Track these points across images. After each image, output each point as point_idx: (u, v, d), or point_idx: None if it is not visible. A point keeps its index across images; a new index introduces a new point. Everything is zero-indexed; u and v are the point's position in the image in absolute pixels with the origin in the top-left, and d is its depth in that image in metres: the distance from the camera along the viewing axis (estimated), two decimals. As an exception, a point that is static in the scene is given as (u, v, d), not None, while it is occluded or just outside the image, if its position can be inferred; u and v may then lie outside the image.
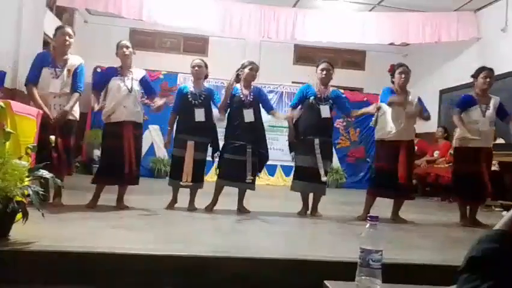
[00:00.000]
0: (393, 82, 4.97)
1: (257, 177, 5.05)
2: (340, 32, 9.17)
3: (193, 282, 2.54)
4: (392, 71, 5.03)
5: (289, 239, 3.70)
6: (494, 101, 4.96)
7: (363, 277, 1.50)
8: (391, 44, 9.70)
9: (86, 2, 8.20)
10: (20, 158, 2.82)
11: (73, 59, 4.58)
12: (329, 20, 9.18)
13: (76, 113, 4.60)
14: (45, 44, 7.04)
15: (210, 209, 4.75)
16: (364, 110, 5.21)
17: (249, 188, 4.80)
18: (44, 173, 2.90)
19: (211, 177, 9.36)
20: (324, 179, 4.74)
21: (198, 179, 4.79)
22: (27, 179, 2.76)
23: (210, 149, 4.97)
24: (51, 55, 4.57)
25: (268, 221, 4.45)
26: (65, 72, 4.45)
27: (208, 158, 4.99)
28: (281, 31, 9.23)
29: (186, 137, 4.71)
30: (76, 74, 4.53)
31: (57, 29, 4.63)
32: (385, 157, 4.84)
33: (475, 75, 5.06)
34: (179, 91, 4.97)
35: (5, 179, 2.58)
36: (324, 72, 4.94)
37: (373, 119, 5.12)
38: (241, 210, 4.80)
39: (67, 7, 8.54)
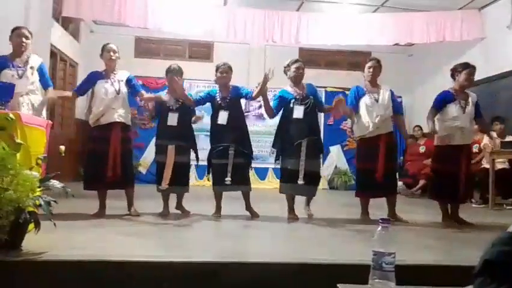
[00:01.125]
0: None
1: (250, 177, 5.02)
2: (344, 34, 9.17)
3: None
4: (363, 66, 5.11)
5: (297, 243, 3.68)
6: (472, 98, 4.84)
7: (376, 280, 1.50)
8: (396, 44, 9.68)
9: (91, 12, 8.24)
10: (31, 169, 2.85)
11: (33, 58, 4.56)
12: (333, 22, 9.18)
13: (42, 111, 4.52)
14: (52, 54, 7.10)
15: (217, 216, 4.70)
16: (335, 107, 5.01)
17: (243, 190, 4.79)
18: (55, 183, 2.93)
19: (205, 181, 9.40)
20: (301, 181, 4.60)
21: (180, 183, 4.79)
22: (38, 189, 2.79)
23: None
24: (8, 57, 4.47)
25: (272, 225, 4.42)
26: (28, 70, 4.44)
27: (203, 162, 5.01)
28: (285, 35, 9.24)
29: (166, 142, 4.73)
30: (41, 73, 4.58)
31: (13, 30, 4.54)
32: (365, 156, 4.86)
33: (456, 71, 4.93)
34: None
35: (17, 190, 2.60)
36: (299, 71, 4.89)
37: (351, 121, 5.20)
38: (251, 213, 4.79)
39: (73, 18, 8.60)
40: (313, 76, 8.03)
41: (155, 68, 9.33)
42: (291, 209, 4.78)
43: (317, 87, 5.22)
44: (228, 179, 4.59)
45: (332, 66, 11.00)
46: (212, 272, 2.60)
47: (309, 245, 3.55)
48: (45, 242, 2.76)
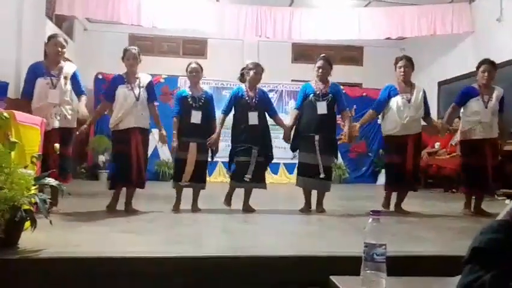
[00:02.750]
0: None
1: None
2: (336, 29, 9.20)
3: (202, 283, 2.57)
4: (395, 64, 5.13)
5: (294, 236, 3.72)
6: (497, 92, 4.97)
7: (368, 271, 1.52)
8: (388, 38, 9.71)
9: (85, 10, 8.23)
10: (25, 167, 2.86)
11: (67, 66, 4.61)
12: (325, 17, 9.21)
13: (74, 121, 4.62)
14: (46, 53, 7.06)
15: (228, 204, 4.92)
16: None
17: (260, 187, 4.93)
18: (50, 181, 2.94)
19: (214, 178, 9.45)
20: (322, 175, 4.77)
21: (200, 180, 4.86)
22: (33, 187, 2.80)
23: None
24: (44, 65, 4.54)
25: (273, 219, 4.49)
26: (61, 80, 4.47)
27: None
28: (278, 30, 9.26)
29: (188, 139, 4.77)
30: (74, 81, 4.61)
31: (50, 38, 4.63)
32: (393, 151, 4.97)
33: (477, 67, 5.13)
34: (179, 95, 5.01)
35: (12, 188, 2.61)
36: (320, 70, 4.97)
37: (380, 116, 5.26)
38: (248, 209, 4.84)
39: (67, 16, 8.57)
40: (306, 71, 8.06)
41: (150, 65, 9.31)
42: (307, 202, 4.93)
43: (310, 81, 5.18)
44: (249, 176, 4.76)
45: (324, 61, 11.01)
46: (209, 266, 2.63)
47: (306, 238, 3.58)
48: (41, 240, 2.78)
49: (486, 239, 1.00)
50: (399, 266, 1.83)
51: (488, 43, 8.19)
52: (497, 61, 7.78)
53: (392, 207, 5.01)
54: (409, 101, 4.93)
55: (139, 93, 4.65)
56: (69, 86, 4.55)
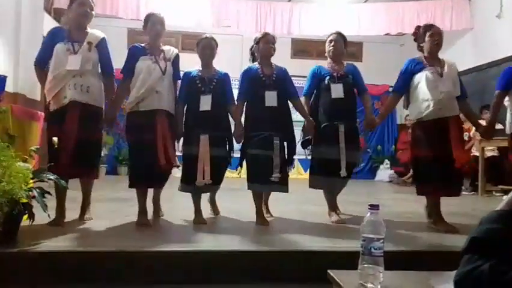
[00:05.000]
0: (421, 50, 4.08)
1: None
2: (336, 25, 9.12)
3: (201, 278, 2.57)
4: (416, 34, 4.17)
5: (292, 231, 3.71)
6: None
7: (365, 265, 1.52)
8: (387, 34, 9.70)
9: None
10: (24, 161, 2.86)
11: (93, 33, 3.70)
12: (325, 13, 9.19)
13: (101, 98, 3.68)
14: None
15: (260, 222, 3.77)
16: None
17: (282, 191, 3.81)
18: (49, 175, 2.94)
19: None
20: (344, 173, 3.89)
21: (218, 181, 3.89)
22: (31, 181, 2.80)
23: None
24: (65, 30, 3.64)
25: (276, 215, 4.39)
26: (85, 45, 3.56)
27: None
28: (278, 26, 9.24)
29: (198, 131, 3.75)
30: (102, 51, 3.69)
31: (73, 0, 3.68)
32: (426, 142, 3.72)
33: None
34: (186, 76, 3.96)
35: (10, 181, 2.61)
36: (333, 44, 4.22)
37: (403, 100, 4.20)
38: (267, 214, 4.13)
39: (65, 9, 8.53)
40: (305, 66, 8.03)
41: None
42: (333, 206, 4.16)
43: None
44: (277, 175, 3.68)
45: (323, 57, 10.91)
46: (208, 261, 2.63)
47: (304, 233, 3.58)
48: (39, 234, 2.78)
49: (485, 228, 1.00)
50: (396, 260, 1.84)
51: (487, 40, 8.19)
52: (497, 58, 7.85)
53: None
54: (441, 74, 3.82)
55: (166, 67, 3.75)
56: (95, 55, 3.62)
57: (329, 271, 1.61)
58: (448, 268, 1.31)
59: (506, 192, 6.59)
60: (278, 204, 4.48)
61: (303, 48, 11.18)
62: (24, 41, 6.38)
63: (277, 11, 9.24)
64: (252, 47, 4.17)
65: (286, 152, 3.90)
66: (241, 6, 9.12)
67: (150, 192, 3.86)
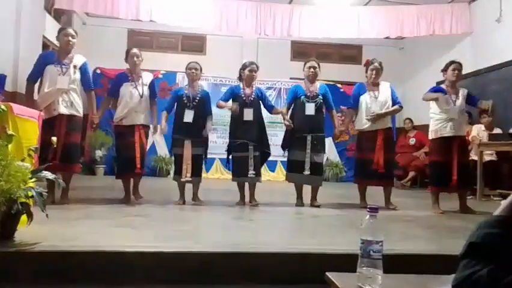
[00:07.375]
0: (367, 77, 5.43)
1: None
2: (336, 28, 9.20)
3: (197, 279, 2.57)
4: (367, 65, 5.51)
5: (291, 233, 3.73)
6: (462, 92, 5.21)
7: (364, 268, 1.52)
8: (386, 37, 9.72)
9: (84, 4, 8.18)
10: (22, 160, 2.85)
11: (77, 57, 4.77)
12: (325, 15, 9.20)
13: (81, 109, 4.73)
14: (45, 46, 7.05)
15: (241, 204, 5.11)
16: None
17: (257, 181, 5.15)
18: (47, 174, 2.94)
19: (212, 174, 9.45)
20: (307, 172, 5.09)
21: (198, 174, 5.10)
22: (30, 180, 2.79)
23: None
24: (55, 54, 4.76)
25: (269, 215, 4.49)
26: (71, 68, 4.63)
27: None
28: (277, 28, 9.25)
29: (182, 137, 5.02)
30: (84, 72, 4.79)
31: (60, 30, 4.82)
32: (364, 147, 5.28)
33: (444, 69, 5.35)
34: (175, 93, 5.30)
35: (9, 181, 2.61)
36: (312, 70, 5.28)
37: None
38: (252, 202, 5.10)
39: (65, 10, 8.54)
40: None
41: (148, 61, 9.30)
42: (299, 196, 5.29)
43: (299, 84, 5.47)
44: (252, 172, 5.04)
45: (323, 59, 10.91)
46: (204, 262, 2.63)
47: (303, 235, 3.59)
48: (37, 233, 2.77)
49: (483, 233, 0.99)
50: (395, 263, 1.84)
51: (487, 44, 8.21)
52: (496, 62, 7.86)
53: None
54: (376, 98, 5.29)
55: (143, 91, 4.94)
56: (78, 76, 4.70)
57: (327, 273, 1.61)
58: (446, 272, 1.31)
59: (504, 196, 6.59)
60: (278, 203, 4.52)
61: (302, 50, 11.18)
62: (24, 40, 6.37)
63: (277, 13, 9.25)
64: (240, 70, 5.33)
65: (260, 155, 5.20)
66: (241, 7, 9.13)
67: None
